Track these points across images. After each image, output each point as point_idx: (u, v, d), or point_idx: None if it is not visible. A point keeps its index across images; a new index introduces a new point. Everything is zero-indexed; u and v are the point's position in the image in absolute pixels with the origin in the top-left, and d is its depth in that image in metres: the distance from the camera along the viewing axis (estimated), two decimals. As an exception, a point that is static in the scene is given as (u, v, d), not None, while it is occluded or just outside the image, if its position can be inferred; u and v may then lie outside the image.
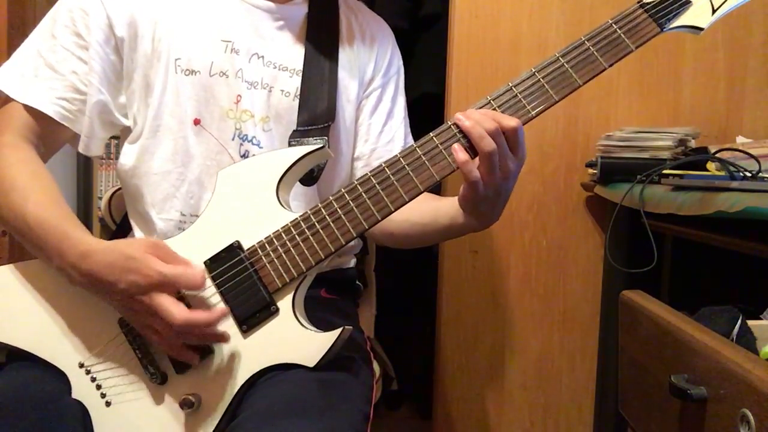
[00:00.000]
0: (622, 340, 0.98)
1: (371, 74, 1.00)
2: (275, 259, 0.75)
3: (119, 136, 0.95)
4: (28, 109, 0.84)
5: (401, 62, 1.07)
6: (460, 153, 0.71)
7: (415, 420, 1.88)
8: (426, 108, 1.45)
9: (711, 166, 1.11)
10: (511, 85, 0.73)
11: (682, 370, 0.75)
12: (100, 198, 2.08)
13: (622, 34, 0.73)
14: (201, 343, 0.74)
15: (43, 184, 0.80)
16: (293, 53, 0.93)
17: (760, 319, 0.94)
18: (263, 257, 0.76)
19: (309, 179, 0.88)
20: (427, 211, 0.88)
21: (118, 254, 0.71)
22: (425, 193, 0.87)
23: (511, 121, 0.71)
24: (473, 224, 0.82)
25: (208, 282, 0.76)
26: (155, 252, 0.72)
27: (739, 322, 0.82)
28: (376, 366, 1.07)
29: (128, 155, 0.90)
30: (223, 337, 0.73)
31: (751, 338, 0.82)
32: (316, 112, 0.90)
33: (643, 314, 0.90)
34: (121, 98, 0.90)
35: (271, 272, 0.75)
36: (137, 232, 0.93)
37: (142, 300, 0.70)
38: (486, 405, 1.43)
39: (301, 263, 0.75)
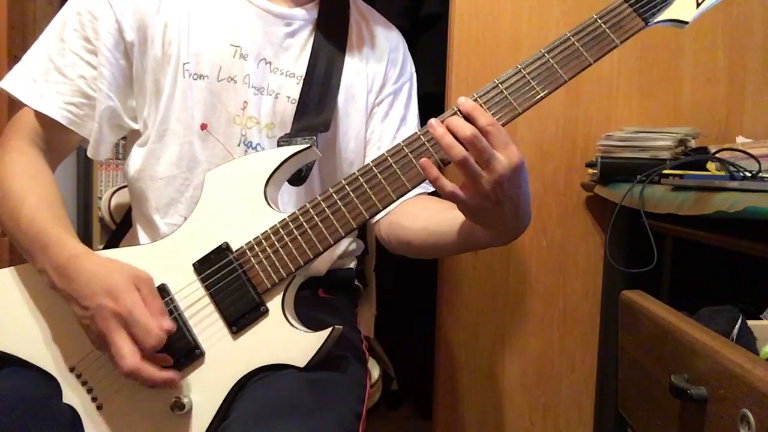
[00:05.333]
0: (622, 340, 0.98)
1: (382, 82, 0.99)
2: (264, 260, 0.75)
3: (126, 137, 0.94)
4: (38, 113, 0.84)
5: (413, 68, 1.05)
6: (431, 170, 0.68)
7: (415, 420, 1.88)
8: (426, 108, 1.44)
9: (711, 166, 1.11)
10: (497, 81, 0.73)
11: (682, 370, 0.75)
12: (100, 198, 2.08)
13: (606, 29, 0.73)
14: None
15: (41, 188, 0.80)
16: (301, 60, 0.92)
17: (760, 319, 0.94)
18: (252, 258, 0.75)
19: (297, 179, 0.87)
20: (446, 219, 0.84)
21: (104, 271, 0.71)
22: (447, 202, 0.86)
23: (483, 119, 0.67)
24: (490, 237, 0.75)
25: (198, 284, 0.76)
26: (139, 287, 0.71)
27: (739, 322, 0.82)
28: (375, 366, 1.07)
29: (135, 158, 0.90)
30: (171, 384, 0.71)
31: (751, 338, 0.82)
32: (313, 120, 0.89)
33: (643, 314, 0.90)
34: (131, 102, 0.90)
35: (260, 273, 0.75)
36: (141, 234, 0.93)
37: (101, 326, 0.69)
38: (486, 405, 1.43)
39: (289, 263, 0.75)
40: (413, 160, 0.74)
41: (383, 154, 0.74)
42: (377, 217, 0.95)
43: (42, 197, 0.79)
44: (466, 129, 0.67)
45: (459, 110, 0.70)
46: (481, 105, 0.72)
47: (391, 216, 0.93)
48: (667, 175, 1.08)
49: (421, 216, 0.88)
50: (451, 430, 1.44)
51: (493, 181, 0.67)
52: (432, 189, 0.95)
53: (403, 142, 0.74)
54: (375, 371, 1.05)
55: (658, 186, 1.08)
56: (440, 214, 0.85)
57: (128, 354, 0.68)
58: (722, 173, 1.03)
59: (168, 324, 0.71)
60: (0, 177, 0.80)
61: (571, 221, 1.40)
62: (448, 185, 0.68)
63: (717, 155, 1.09)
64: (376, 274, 1.22)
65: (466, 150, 0.67)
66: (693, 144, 1.25)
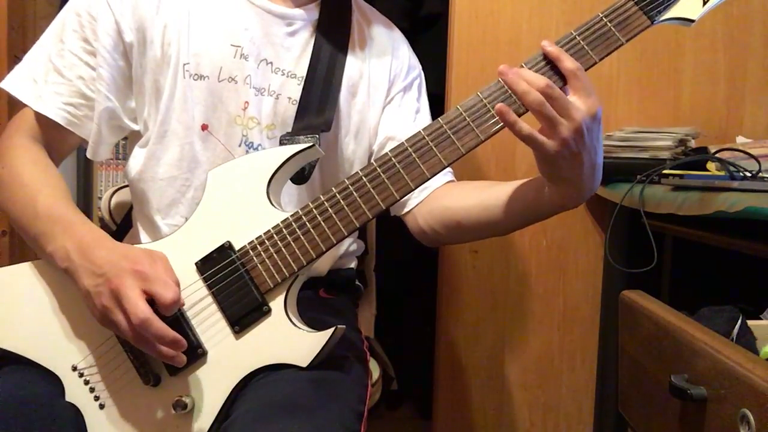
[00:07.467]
0: (622, 340, 0.98)
1: (388, 83, 0.98)
2: (267, 260, 0.75)
3: (127, 137, 0.94)
4: (37, 114, 0.85)
5: (419, 65, 1.05)
6: (509, 115, 0.68)
7: (415, 420, 1.88)
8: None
9: (711, 166, 1.11)
10: (501, 82, 0.73)
11: (682, 370, 0.75)
12: (100, 198, 2.08)
13: (612, 27, 0.72)
14: (151, 353, 0.72)
15: (54, 181, 0.81)
16: (303, 60, 0.91)
17: (760, 319, 0.94)
18: (254, 257, 0.76)
19: (300, 178, 0.87)
20: (503, 191, 0.82)
21: (124, 247, 0.74)
22: (488, 181, 0.83)
23: (570, 63, 0.69)
24: (560, 197, 0.76)
25: (200, 283, 0.76)
26: (156, 261, 0.73)
27: (739, 322, 0.82)
28: (375, 366, 1.07)
29: (136, 159, 0.90)
30: (175, 361, 0.71)
31: (751, 338, 0.82)
32: (314, 120, 0.89)
33: (643, 314, 0.90)
34: (131, 103, 0.90)
35: (263, 273, 0.75)
36: (142, 235, 0.93)
37: (115, 283, 0.69)
38: (486, 405, 1.43)
39: (292, 263, 0.75)
40: (417, 159, 0.74)
41: (387, 153, 0.75)
42: (407, 208, 0.94)
43: (57, 189, 0.80)
44: (539, 79, 0.68)
45: (545, 53, 0.71)
46: (486, 104, 0.73)
47: (425, 205, 0.93)
48: (667, 175, 1.08)
49: (472, 193, 0.87)
50: (451, 430, 1.44)
51: (573, 129, 0.68)
52: (449, 179, 0.95)
53: (407, 141, 0.74)
54: (375, 371, 1.05)
55: (658, 186, 1.08)
56: (494, 187, 0.84)
57: (142, 304, 0.68)
58: (722, 173, 1.03)
59: (178, 294, 0.72)
60: (12, 170, 0.81)
61: (571, 221, 1.39)
62: (526, 128, 0.68)
63: (717, 155, 1.10)
64: (376, 274, 1.22)
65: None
66: (693, 144, 1.25)
